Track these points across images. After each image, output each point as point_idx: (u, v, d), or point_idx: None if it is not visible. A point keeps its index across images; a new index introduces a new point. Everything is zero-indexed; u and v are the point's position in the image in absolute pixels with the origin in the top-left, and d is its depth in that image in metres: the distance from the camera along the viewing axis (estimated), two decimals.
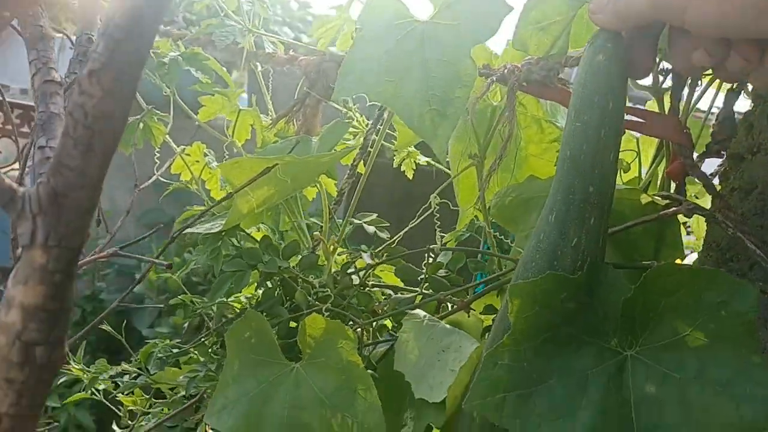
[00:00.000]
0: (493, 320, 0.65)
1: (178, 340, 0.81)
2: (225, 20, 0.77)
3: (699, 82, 0.59)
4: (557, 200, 0.49)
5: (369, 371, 0.58)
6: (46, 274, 0.30)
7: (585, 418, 0.45)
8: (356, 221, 0.75)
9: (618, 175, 0.64)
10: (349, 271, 0.69)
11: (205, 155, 0.93)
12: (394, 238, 0.73)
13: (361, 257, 0.70)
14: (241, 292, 0.79)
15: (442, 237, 0.78)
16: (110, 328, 0.82)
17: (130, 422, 0.83)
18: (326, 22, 0.82)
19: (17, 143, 0.81)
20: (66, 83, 0.48)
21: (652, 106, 0.64)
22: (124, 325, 0.89)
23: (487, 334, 0.65)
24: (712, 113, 0.63)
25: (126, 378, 0.83)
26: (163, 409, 0.82)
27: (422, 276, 0.68)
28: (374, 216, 0.76)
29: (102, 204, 0.69)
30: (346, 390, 0.57)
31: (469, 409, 0.46)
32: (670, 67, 0.57)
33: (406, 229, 0.73)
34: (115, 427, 0.87)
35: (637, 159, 0.72)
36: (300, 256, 0.72)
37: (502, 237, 0.76)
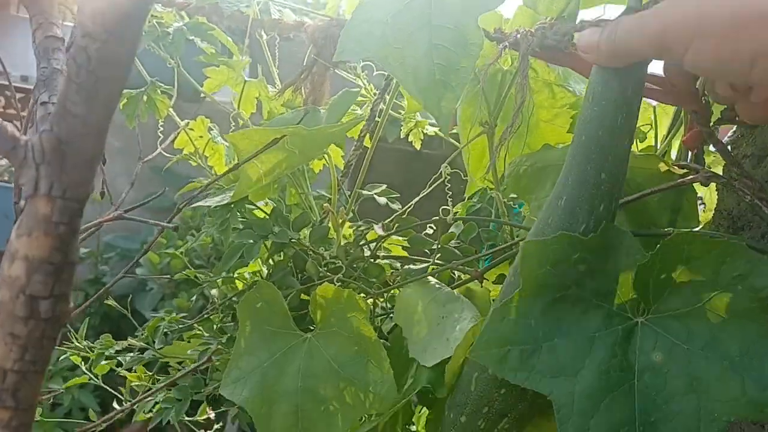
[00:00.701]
0: None
1: (183, 315, 0.80)
2: None
3: None
4: (568, 184, 0.48)
5: (381, 341, 0.57)
6: (51, 225, 0.28)
7: (586, 377, 0.44)
8: (366, 192, 0.73)
9: (633, 144, 0.62)
10: (360, 243, 0.67)
11: (210, 129, 0.92)
12: (404, 208, 0.72)
13: (372, 228, 0.68)
14: (247, 266, 0.77)
15: (452, 207, 0.76)
16: (114, 303, 0.80)
17: (131, 398, 0.82)
18: None
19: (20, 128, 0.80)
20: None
21: None
22: (128, 308, 0.88)
23: None
24: None
25: (131, 356, 0.82)
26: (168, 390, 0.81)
27: (434, 246, 0.67)
28: (383, 186, 0.75)
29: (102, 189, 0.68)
30: (359, 360, 0.56)
31: (473, 358, 0.46)
32: None
33: (417, 199, 0.72)
34: (115, 404, 0.86)
35: (652, 130, 0.71)
36: (310, 229, 0.71)
37: (511, 203, 0.74)
